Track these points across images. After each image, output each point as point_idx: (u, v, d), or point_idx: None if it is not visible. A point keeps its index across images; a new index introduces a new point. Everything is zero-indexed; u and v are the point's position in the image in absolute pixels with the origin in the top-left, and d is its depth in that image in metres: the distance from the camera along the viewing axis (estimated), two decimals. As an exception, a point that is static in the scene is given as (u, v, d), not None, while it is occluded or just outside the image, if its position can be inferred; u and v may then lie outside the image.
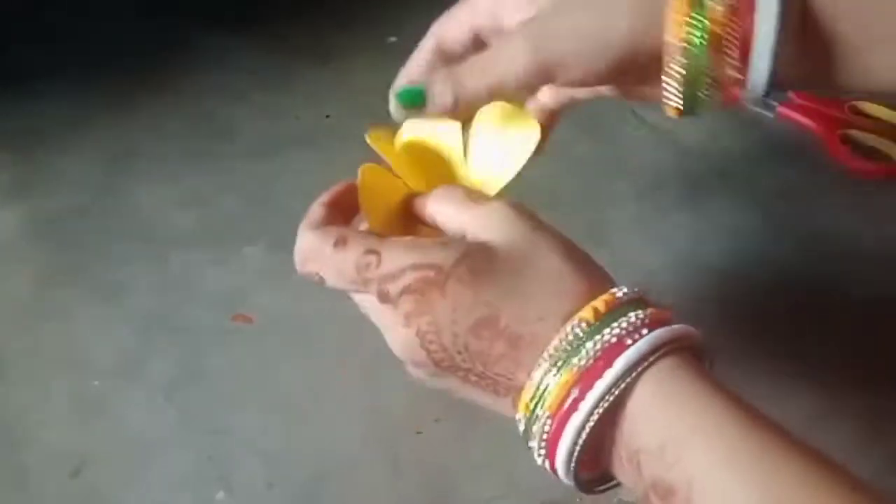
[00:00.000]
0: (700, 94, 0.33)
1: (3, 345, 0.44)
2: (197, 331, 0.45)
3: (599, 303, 0.29)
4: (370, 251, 0.31)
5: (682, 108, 0.34)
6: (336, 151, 0.58)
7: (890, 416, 0.42)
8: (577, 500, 0.38)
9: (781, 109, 0.61)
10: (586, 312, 0.28)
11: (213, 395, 0.42)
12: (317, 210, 0.35)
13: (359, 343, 0.44)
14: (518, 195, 0.54)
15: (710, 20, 0.31)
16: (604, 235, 0.52)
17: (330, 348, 0.44)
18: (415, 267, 0.30)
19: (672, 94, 0.34)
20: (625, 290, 0.29)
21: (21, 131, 0.58)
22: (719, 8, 0.31)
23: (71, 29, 0.68)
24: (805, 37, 0.32)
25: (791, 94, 0.62)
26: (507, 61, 0.33)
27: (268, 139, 0.58)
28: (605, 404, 0.27)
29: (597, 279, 0.30)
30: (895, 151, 0.57)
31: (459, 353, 0.30)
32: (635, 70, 0.34)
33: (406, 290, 0.30)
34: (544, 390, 0.28)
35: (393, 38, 0.69)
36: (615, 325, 0.28)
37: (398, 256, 0.30)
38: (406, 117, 0.37)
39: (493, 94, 0.34)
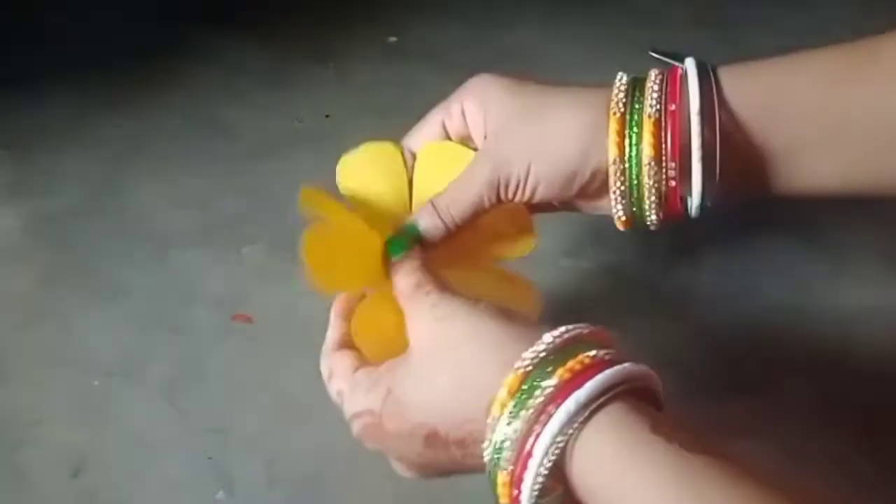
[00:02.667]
0: (644, 207, 0.36)
1: (3, 345, 0.44)
2: (197, 331, 0.45)
3: (509, 384, 0.28)
4: (338, 393, 0.34)
5: (628, 221, 0.37)
6: (336, 151, 0.58)
7: (890, 415, 0.42)
8: (577, 500, 0.38)
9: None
10: (496, 404, 0.28)
11: (213, 395, 0.42)
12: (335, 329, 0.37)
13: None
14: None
15: (644, 133, 0.34)
16: (604, 235, 0.52)
17: (330, 348, 0.44)
18: (356, 416, 0.33)
19: (618, 208, 0.37)
20: (535, 350, 0.29)
21: (21, 131, 0.58)
22: (649, 122, 0.34)
23: (71, 29, 0.68)
24: (730, 148, 0.34)
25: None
26: (476, 178, 0.37)
27: (268, 139, 0.58)
28: (541, 480, 0.27)
29: (510, 348, 0.30)
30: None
31: (430, 462, 0.33)
32: (588, 188, 0.37)
33: (360, 435, 0.33)
34: (494, 480, 0.29)
35: (393, 38, 0.69)
36: (527, 405, 0.27)
37: (349, 404, 0.34)
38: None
39: (476, 212, 0.38)
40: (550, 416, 0.27)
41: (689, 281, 0.49)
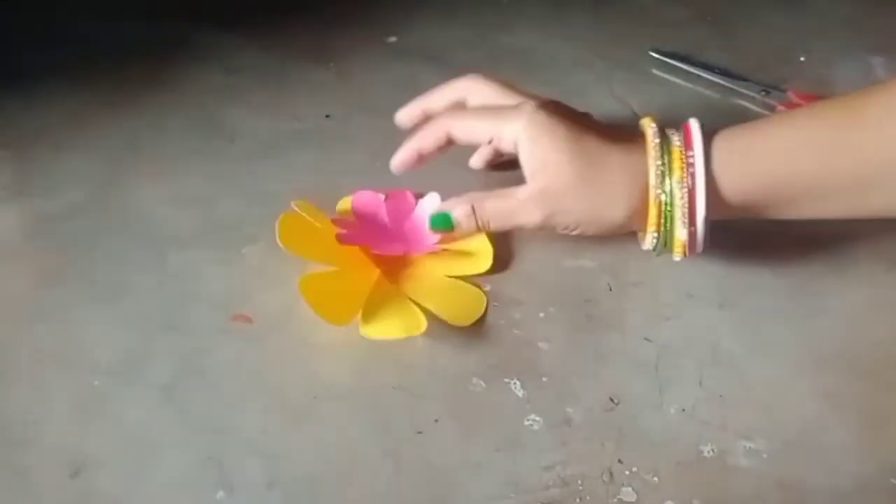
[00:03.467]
0: (668, 248, 0.45)
1: (3, 345, 0.44)
2: (197, 331, 0.45)
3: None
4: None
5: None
6: (336, 151, 0.58)
7: (890, 415, 0.42)
8: (577, 500, 0.38)
9: (780, 108, 0.61)
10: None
11: (213, 395, 0.42)
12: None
13: (359, 343, 0.44)
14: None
15: (673, 205, 0.43)
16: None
17: (330, 348, 0.44)
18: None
19: (650, 247, 0.45)
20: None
21: (21, 131, 0.58)
22: (678, 194, 0.42)
23: (71, 29, 0.68)
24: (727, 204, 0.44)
25: (791, 94, 0.62)
26: (525, 217, 0.44)
27: (268, 139, 0.58)
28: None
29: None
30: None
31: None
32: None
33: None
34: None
35: (393, 38, 0.69)
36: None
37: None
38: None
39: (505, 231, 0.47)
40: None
41: (689, 281, 0.49)
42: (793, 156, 0.42)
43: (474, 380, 0.43)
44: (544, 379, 0.43)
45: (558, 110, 0.44)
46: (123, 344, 0.44)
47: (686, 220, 0.42)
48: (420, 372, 0.44)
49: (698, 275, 0.49)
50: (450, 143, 0.48)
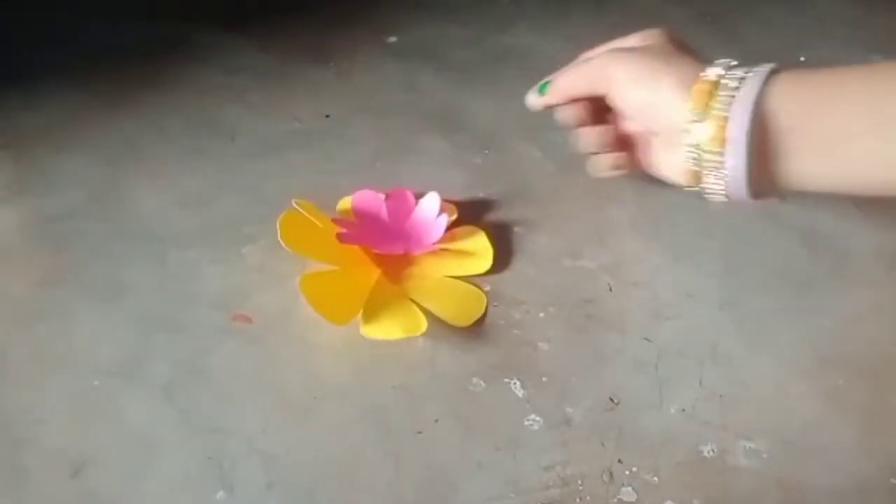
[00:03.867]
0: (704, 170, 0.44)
1: (3, 345, 0.44)
2: (197, 331, 0.45)
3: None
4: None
5: (695, 178, 0.45)
6: (336, 151, 0.58)
7: (890, 415, 0.42)
8: (577, 500, 0.38)
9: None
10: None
11: (213, 395, 0.42)
12: None
13: (359, 343, 0.44)
14: (518, 191, 0.54)
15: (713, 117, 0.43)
16: (604, 235, 0.52)
17: (329, 348, 0.44)
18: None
19: (686, 162, 0.45)
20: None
21: (21, 131, 0.58)
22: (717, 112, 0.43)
23: (70, 29, 0.68)
24: (761, 143, 0.42)
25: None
26: (587, 67, 0.49)
27: (268, 139, 0.58)
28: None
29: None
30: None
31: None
32: (668, 132, 0.46)
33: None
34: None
35: (393, 38, 0.69)
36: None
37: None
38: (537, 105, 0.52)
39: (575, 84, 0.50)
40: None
41: (689, 281, 0.49)
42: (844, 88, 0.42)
43: (474, 380, 0.43)
44: (544, 379, 0.43)
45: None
46: (123, 344, 0.44)
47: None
48: (420, 372, 0.44)
49: (698, 275, 0.49)
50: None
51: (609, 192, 0.55)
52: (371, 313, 0.44)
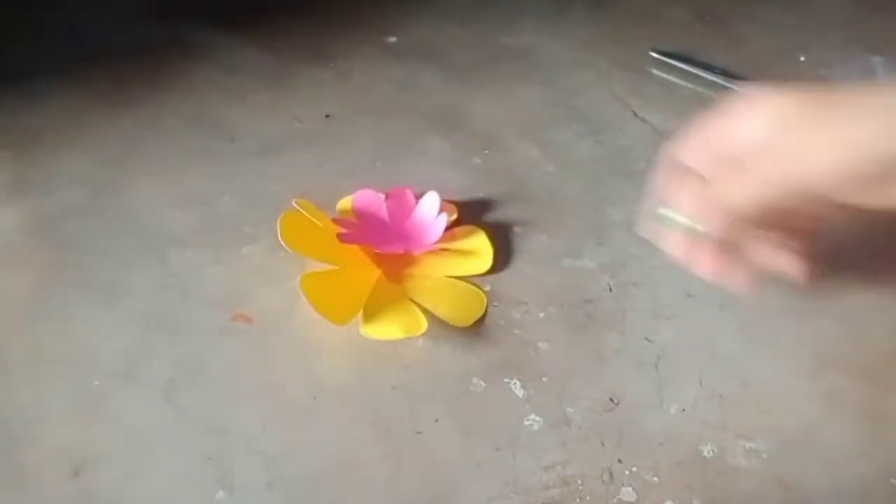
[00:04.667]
0: None
1: (3, 345, 0.44)
2: (197, 331, 0.45)
3: None
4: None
5: None
6: (336, 151, 0.58)
7: (890, 415, 0.42)
8: (577, 500, 0.38)
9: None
10: None
11: (213, 395, 0.42)
12: None
13: (359, 343, 0.44)
14: (518, 191, 0.54)
15: None
16: (604, 235, 0.52)
17: (330, 348, 0.44)
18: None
19: None
20: None
21: (21, 131, 0.58)
22: None
23: (70, 29, 0.68)
24: None
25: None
26: (761, 179, 0.35)
27: (268, 139, 0.58)
28: None
29: None
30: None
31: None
32: (877, 177, 0.34)
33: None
34: None
35: (393, 38, 0.69)
36: None
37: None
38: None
39: (748, 207, 0.37)
40: None
41: (689, 281, 0.49)
42: None
43: (474, 380, 0.43)
44: (544, 379, 0.43)
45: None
46: (123, 344, 0.44)
47: None
48: (420, 372, 0.44)
49: (698, 275, 0.49)
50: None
51: (609, 192, 0.55)
52: (371, 313, 0.44)
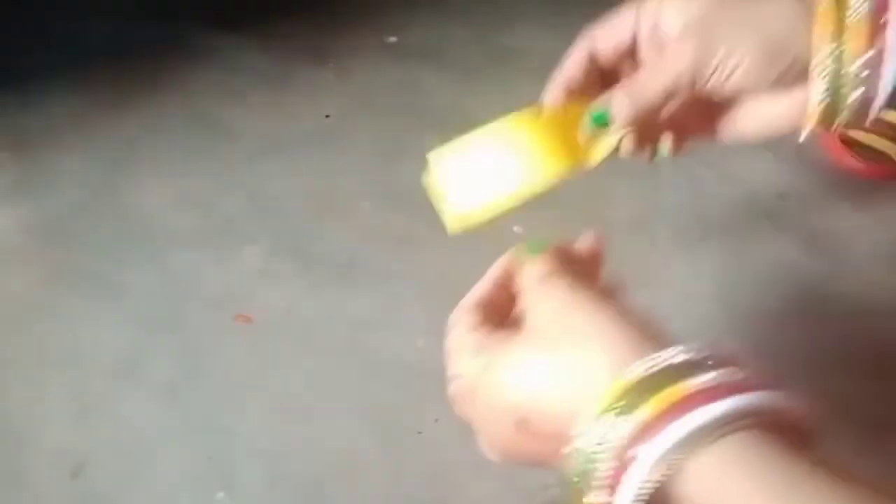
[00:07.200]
0: (843, 93, 0.35)
1: (3, 345, 0.44)
2: (197, 331, 0.45)
3: (621, 386, 0.26)
4: (447, 350, 0.33)
5: (822, 112, 0.36)
6: (336, 151, 0.58)
7: (891, 417, 0.42)
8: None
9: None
10: (600, 402, 0.26)
11: (213, 395, 0.42)
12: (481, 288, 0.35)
13: (359, 343, 0.44)
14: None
15: (851, 26, 0.34)
16: (604, 235, 0.52)
17: (330, 348, 0.44)
18: (454, 376, 0.32)
19: (818, 92, 0.35)
20: (656, 359, 0.27)
21: (21, 131, 0.58)
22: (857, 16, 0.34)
23: (71, 29, 0.68)
24: None
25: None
26: (676, 60, 0.36)
27: (268, 139, 0.58)
28: (647, 489, 0.25)
29: (627, 352, 0.28)
30: (895, 151, 0.57)
31: (517, 448, 0.32)
32: (785, 75, 0.35)
33: (452, 398, 0.33)
34: (583, 479, 0.28)
35: (393, 38, 0.69)
36: (636, 411, 0.25)
37: (452, 362, 0.32)
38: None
39: (667, 96, 0.36)
40: (663, 429, 0.25)
41: (689, 281, 0.49)
42: None
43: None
44: (544, 379, 0.43)
45: None
46: (123, 344, 0.44)
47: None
48: (420, 372, 0.44)
49: (698, 275, 0.49)
50: (593, 61, 0.41)
51: (609, 191, 0.55)
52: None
